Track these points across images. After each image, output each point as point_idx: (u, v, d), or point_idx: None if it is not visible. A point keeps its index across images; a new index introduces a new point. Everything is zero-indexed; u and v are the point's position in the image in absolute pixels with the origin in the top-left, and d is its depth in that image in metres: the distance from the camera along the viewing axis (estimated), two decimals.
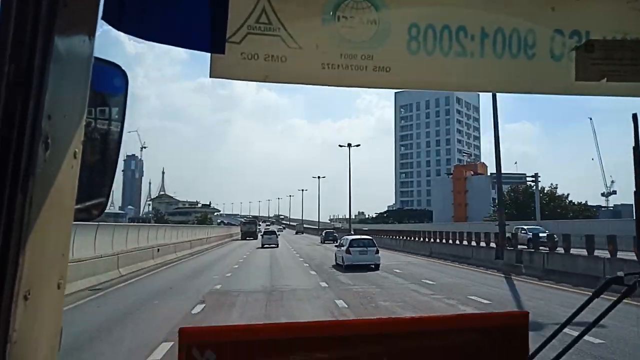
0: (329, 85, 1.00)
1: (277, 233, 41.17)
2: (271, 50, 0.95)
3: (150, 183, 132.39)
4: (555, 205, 51.59)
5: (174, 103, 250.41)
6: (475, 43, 1.00)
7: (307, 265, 19.90)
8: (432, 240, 28.64)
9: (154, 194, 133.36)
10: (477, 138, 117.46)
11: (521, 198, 55.06)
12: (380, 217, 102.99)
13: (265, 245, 35.02)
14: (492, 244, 20.13)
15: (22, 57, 0.62)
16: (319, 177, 78.68)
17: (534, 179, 45.26)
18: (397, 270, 17.40)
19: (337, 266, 18.62)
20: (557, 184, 54.59)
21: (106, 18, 0.80)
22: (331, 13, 0.96)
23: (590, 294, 1.06)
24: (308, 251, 30.77)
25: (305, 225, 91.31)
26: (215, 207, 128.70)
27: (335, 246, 23.06)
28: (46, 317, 0.69)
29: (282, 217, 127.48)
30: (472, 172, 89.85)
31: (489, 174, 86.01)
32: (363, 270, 16.67)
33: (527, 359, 1.01)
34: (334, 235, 42.70)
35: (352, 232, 34.16)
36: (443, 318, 1.01)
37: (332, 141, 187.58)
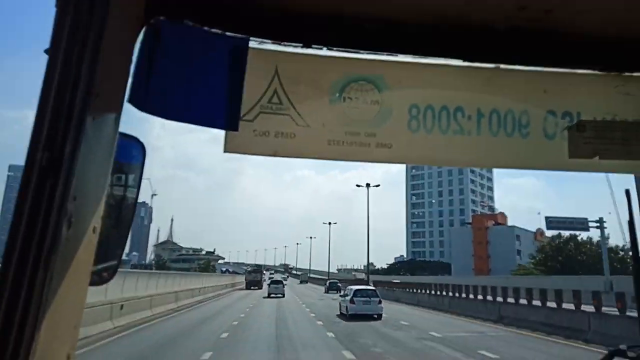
0: (334, 160, 1.09)
1: (284, 283, 42.42)
2: (281, 127, 1.04)
3: (158, 230, 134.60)
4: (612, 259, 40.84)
5: (187, 153, 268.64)
6: (472, 122, 1.09)
7: (314, 315, 20.75)
8: (499, 299, 19.14)
9: (161, 241, 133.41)
10: (491, 189, 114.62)
11: (572, 249, 47.31)
12: (392, 269, 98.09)
13: (272, 295, 35.99)
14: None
15: (55, 144, 0.65)
16: (329, 223, 75.71)
17: (598, 224, 33.18)
18: None
19: (341, 315, 19.71)
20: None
21: (132, 101, 0.88)
22: (337, 94, 1.06)
23: None
24: (313, 301, 32.13)
25: (312, 275, 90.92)
26: (219, 254, 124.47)
27: (340, 296, 24.20)
28: None
29: (291, 266, 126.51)
30: (493, 222, 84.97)
31: (508, 224, 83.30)
32: (366, 319, 17.60)
33: None
34: (337, 285, 44.78)
35: (371, 284, 34.31)
36: None
37: (340, 192, 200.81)
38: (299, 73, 1.07)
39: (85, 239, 0.71)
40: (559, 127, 1.11)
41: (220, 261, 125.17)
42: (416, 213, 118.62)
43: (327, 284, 48.75)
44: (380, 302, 19.44)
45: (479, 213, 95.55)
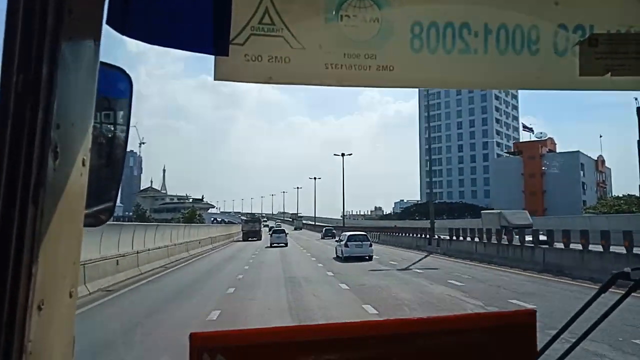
0: (332, 85, 1.13)
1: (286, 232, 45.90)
2: (275, 51, 1.08)
3: (151, 181, 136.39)
4: None
5: (176, 101, 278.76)
6: (478, 40, 1.13)
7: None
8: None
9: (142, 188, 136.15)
10: (516, 118, 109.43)
11: None
12: (407, 213, 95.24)
13: (274, 245, 39.66)
14: None
15: (30, 67, 0.65)
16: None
17: None
18: None
19: (337, 258, 25.16)
20: None
21: (111, 23, 0.91)
22: (334, 12, 1.09)
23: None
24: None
25: (318, 223, 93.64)
26: (209, 202, 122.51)
27: (335, 241, 30.77)
28: (60, 326, 0.75)
29: (299, 214, 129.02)
30: (548, 149, 72.76)
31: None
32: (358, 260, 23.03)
33: (536, 356, 1.13)
34: (332, 232, 54.63)
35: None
36: (451, 318, 1.15)
37: (335, 138, 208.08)
38: None
39: (74, 171, 0.73)
40: (570, 43, 1.14)
41: (210, 210, 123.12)
42: (432, 150, 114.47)
43: (323, 231, 60.07)
44: (370, 245, 24.66)
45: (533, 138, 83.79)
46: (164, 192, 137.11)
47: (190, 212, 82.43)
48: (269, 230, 51.61)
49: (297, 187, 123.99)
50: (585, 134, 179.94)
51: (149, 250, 20.72)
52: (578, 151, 71.42)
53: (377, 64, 1.12)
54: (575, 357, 1.22)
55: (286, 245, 39.85)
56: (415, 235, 36.69)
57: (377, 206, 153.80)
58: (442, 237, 30.18)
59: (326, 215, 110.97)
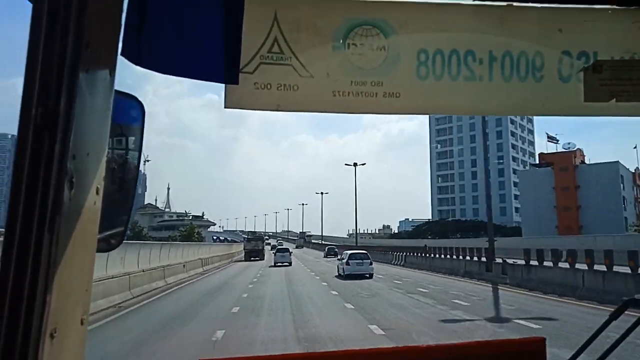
0: (339, 113, 1.19)
1: (291, 251, 46.61)
2: (283, 79, 1.15)
3: (155, 199, 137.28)
4: None
5: (182, 120, 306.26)
6: (483, 67, 1.19)
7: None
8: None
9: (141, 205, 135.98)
10: (532, 132, 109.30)
11: None
12: (418, 231, 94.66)
13: (278, 264, 40.41)
14: None
15: (48, 99, 0.71)
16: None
17: None
18: None
19: (339, 276, 26.85)
20: None
21: (125, 54, 0.99)
22: (341, 41, 1.16)
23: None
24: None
25: (324, 242, 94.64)
26: (209, 219, 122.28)
27: (337, 259, 32.90)
28: (71, 354, 0.79)
29: (309, 233, 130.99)
30: (580, 160, 67.25)
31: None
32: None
33: None
34: (334, 250, 57.37)
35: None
36: (461, 345, 1.21)
37: (338, 157, 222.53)
38: (299, 19, 1.15)
39: (88, 200, 0.79)
40: (574, 69, 1.21)
41: (212, 228, 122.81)
42: (442, 165, 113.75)
43: (326, 250, 61.78)
44: (371, 263, 26.34)
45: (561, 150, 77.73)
46: (167, 209, 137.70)
47: (189, 229, 77.08)
48: (271, 248, 52.27)
49: (302, 204, 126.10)
50: (611, 145, 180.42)
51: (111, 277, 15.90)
52: (617, 162, 65.31)
53: (383, 91, 1.18)
54: None
55: (290, 264, 40.30)
56: (458, 257, 29.56)
57: (385, 224, 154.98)
58: (509, 261, 22.76)
59: (333, 233, 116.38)
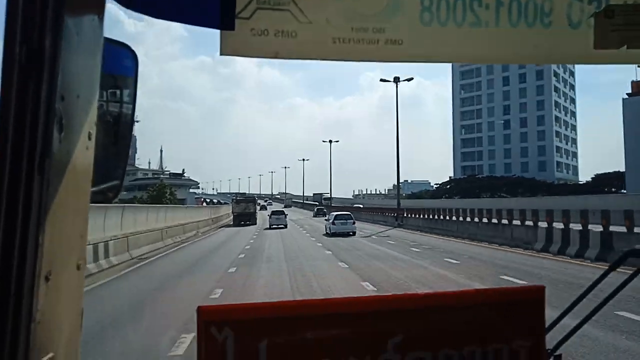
0: (340, 60, 1.32)
1: (286, 213, 51.77)
2: (281, 25, 1.26)
3: (149, 161, 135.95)
4: None
5: (175, 82, 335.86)
6: (490, 12, 1.30)
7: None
8: None
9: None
10: (573, 74, 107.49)
11: None
12: (442, 191, 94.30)
13: (274, 226, 45.72)
14: None
15: (33, 37, 0.77)
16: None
17: None
18: None
19: (326, 234, 35.05)
20: None
21: None
22: None
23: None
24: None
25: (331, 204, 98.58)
26: (190, 177, 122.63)
27: (325, 220, 41.75)
28: (68, 298, 0.89)
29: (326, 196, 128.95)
30: None
31: None
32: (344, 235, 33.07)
33: (544, 333, 1.33)
34: (323, 211, 69.73)
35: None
36: (458, 294, 1.33)
37: (335, 119, 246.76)
38: None
39: (79, 143, 0.87)
40: (584, 14, 1.31)
41: (203, 189, 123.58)
42: (467, 115, 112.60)
43: (315, 210, 77.25)
44: (354, 222, 35.19)
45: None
46: (137, 165, 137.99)
47: (158, 188, 70.29)
48: (260, 208, 55.09)
49: (303, 159, 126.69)
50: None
51: None
52: None
53: (385, 38, 1.29)
54: (583, 334, 1.56)
55: (286, 226, 45.69)
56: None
57: (408, 180, 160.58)
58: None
59: (340, 195, 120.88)
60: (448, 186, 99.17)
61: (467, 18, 1.30)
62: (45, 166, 0.78)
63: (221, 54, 1.27)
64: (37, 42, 0.78)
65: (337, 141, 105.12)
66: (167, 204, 55.59)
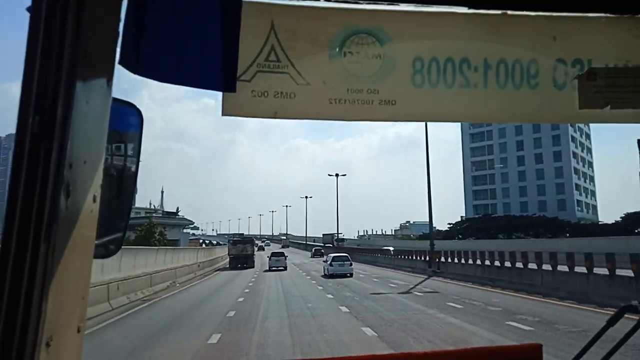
0: (336, 120, 1.46)
1: (286, 255, 52.74)
2: (280, 87, 1.41)
3: (150, 202, 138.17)
4: None
5: (178, 124, 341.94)
6: (478, 75, 1.45)
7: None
8: None
9: None
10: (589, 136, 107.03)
11: None
12: (455, 231, 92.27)
13: (273, 268, 46.40)
14: None
15: (45, 108, 0.84)
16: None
17: None
18: None
19: (324, 275, 36.96)
20: None
21: (123, 63, 1.19)
22: (337, 49, 1.42)
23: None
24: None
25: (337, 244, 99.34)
26: (185, 217, 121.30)
27: (323, 261, 43.14)
28: None
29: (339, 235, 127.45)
30: None
31: None
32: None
33: None
34: (321, 251, 73.51)
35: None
36: (457, 353, 1.41)
37: (336, 160, 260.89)
38: (296, 27, 1.40)
39: (85, 207, 0.93)
40: (569, 77, 1.46)
41: (188, 229, 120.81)
42: (479, 151, 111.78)
43: (313, 250, 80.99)
44: (351, 264, 37.20)
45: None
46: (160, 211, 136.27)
47: (146, 228, 66.80)
48: (257, 249, 56.03)
49: (306, 197, 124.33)
50: None
51: None
52: None
53: (379, 99, 1.44)
54: None
55: (285, 269, 46.78)
56: None
57: (404, 223, 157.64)
58: None
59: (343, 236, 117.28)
60: (461, 226, 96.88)
61: (457, 80, 1.44)
62: (51, 233, 0.83)
63: (223, 114, 1.42)
64: (49, 112, 0.84)
65: (344, 175, 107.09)
66: (155, 245, 51.42)
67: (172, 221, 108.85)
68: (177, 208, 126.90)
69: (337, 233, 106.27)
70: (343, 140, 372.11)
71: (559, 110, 1.49)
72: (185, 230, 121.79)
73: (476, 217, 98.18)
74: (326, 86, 1.42)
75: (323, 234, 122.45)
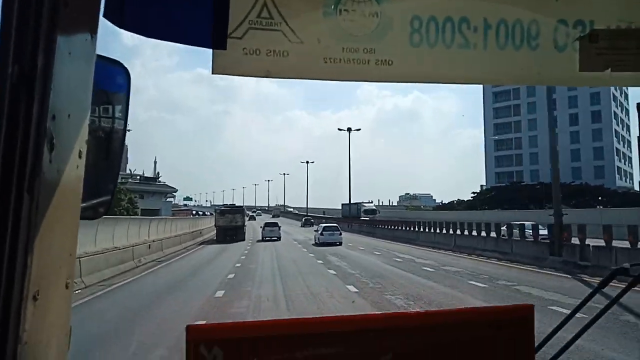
0: (330, 80, 1.51)
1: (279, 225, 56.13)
2: (273, 45, 1.45)
3: (143, 173, 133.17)
4: None
5: (171, 94, 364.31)
6: (478, 35, 1.50)
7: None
8: None
9: None
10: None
11: None
12: (480, 200, 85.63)
13: (267, 238, 50.05)
14: None
15: (25, 57, 0.86)
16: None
17: None
18: None
19: (315, 243, 43.82)
20: None
21: (108, 16, 1.22)
22: (332, 6, 1.46)
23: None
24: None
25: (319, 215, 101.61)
26: (168, 184, 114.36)
27: (314, 230, 51.40)
28: (55, 317, 0.96)
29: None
30: None
31: None
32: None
33: (534, 352, 1.49)
34: (310, 221, 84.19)
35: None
36: (449, 312, 1.53)
37: (332, 132, 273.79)
38: None
39: (70, 162, 0.96)
40: (570, 38, 1.50)
41: (167, 197, 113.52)
42: (503, 111, 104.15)
43: (303, 220, 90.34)
44: (340, 233, 44.73)
45: None
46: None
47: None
48: (249, 219, 59.04)
49: (307, 162, 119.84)
50: None
51: None
52: None
53: (376, 59, 1.48)
54: (573, 352, 1.82)
55: (279, 239, 50.54)
56: None
57: (410, 193, 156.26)
58: None
59: (334, 205, 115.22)
60: (486, 196, 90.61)
61: (456, 40, 1.49)
62: (35, 186, 0.86)
63: (213, 73, 1.43)
64: (29, 62, 0.86)
65: (358, 129, 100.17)
66: (123, 214, 45.84)
67: (152, 188, 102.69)
68: (158, 173, 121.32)
69: (364, 202, 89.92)
70: (340, 112, 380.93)
71: (559, 72, 1.55)
72: (169, 199, 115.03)
73: (504, 185, 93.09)
74: (320, 45, 1.45)
75: (342, 204, 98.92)
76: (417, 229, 47.36)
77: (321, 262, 28.26)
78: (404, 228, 51.80)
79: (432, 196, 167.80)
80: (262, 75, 1.45)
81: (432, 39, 1.46)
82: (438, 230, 41.48)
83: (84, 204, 1.04)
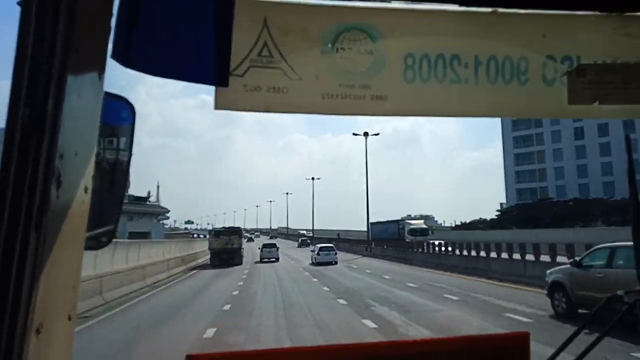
0: (328, 114, 1.64)
1: (277, 246, 60.01)
2: (273, 82, 1.58)
3: (131, 193, 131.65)
4: None
5: (175, 120, 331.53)
6: (469, 70, 1.62)
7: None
8: None
9: None
10: None
11: None
12: (504, 219, 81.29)
13: (265, 259, 53.61)
14: None
15: (36, 101, 0.94)
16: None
17: None
18: None
19: (312, 263, 49.28)
20: None
21: (115, 57, 1.32)
22: (330, 45, 1.59)
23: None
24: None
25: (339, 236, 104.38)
26: (161, 204, 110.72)
27: (311, 250, 57.31)
28: (58, 350, 1.01)
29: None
30: None
31: None
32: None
33: None
34: (307, 242, 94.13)
35: None
36: (445, 340, 1.55)
37: (333, 155, 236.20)
38: (288, 23, 1.57)
39: (76, 198, 1.04)
40: (558, 73, 1.63)
41: (159, 219, 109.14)
42: (524, 123, 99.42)
43: (299, 241, 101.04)
44: (335, 253, 49.25)
45: None
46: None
47: None
48: (247, 240, 61.11)
49: (313, 178, 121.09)
50: None
51: None
52: None
53: (371, 94, 1.60)
54: None
55: (277, 260, 53.92)
56: None
57: (411, 215, 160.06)
58: None
59: (349, 227, 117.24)
60: (512, 214, 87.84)
61: (448, 76, 1.61)
62: (42, 223, 0.92)
63: (216, 108, 1.56)
64: (39, 106, 0.94)
65: (374, 133, 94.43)
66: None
67: (141, 208, 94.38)
68: (149, 192, 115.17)
69: (405, 220, 78.92)
70: (340, 136, 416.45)
71: (549, 105, 1.65)
72: (162, 221, 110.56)
73: (531, 203, 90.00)
74: (318, 81, 1.56)
75: (373, 223, 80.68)
76: (483, 255, 32.50)
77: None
78: (457, 253, 37.36)
79: (434, 217, 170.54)
80: (262, 110, 1.55)
81: (424, 75, 1.58)
82: (517, 257, 27.68)
83: (87, 234, 1.10)
